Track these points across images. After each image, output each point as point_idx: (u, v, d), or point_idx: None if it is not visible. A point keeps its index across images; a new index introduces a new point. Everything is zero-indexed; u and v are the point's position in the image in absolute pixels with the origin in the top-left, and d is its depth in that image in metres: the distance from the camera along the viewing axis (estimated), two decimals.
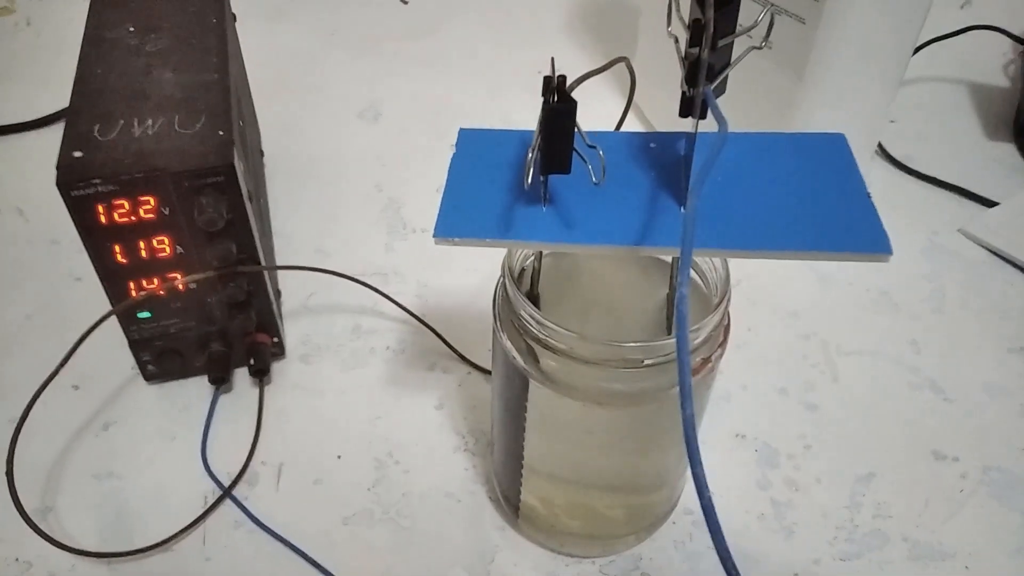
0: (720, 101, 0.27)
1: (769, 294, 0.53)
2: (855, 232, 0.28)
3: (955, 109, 0.70)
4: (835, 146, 0.31)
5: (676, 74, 0.28)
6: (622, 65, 0.30)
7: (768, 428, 0.46)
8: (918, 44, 0.62)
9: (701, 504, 0.15)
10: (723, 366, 0.34)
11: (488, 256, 0.43)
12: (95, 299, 0.42)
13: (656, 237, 0.28)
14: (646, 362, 0.30)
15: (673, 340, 0.30)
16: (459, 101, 0.70)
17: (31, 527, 0.38)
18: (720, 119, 0.25)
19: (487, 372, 0.48)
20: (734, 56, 0.28)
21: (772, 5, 0.27)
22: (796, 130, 0.52)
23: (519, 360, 0.32)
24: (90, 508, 0.42)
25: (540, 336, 0.31)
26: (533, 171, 0.27)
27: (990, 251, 0.56)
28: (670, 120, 0.63)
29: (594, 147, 0.28)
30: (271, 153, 0.63)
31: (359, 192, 0.61)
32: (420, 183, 0.61)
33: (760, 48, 0.28)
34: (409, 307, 0.50)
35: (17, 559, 0.40)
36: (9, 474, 0.38)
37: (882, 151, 0.63)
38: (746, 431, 0.46)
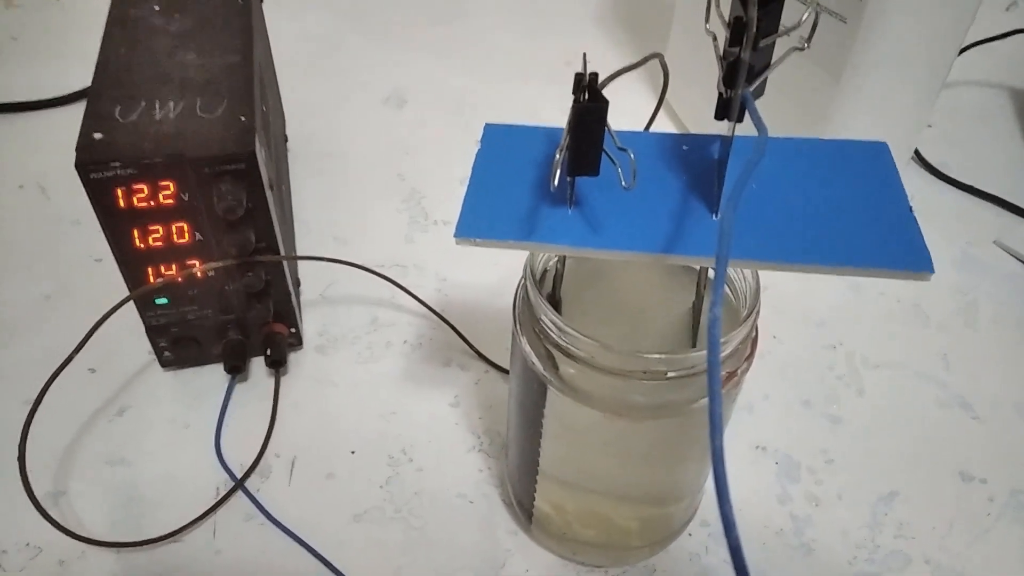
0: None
1: (797, 301, 0.52)
2: (895, 247, 0.27)
3: (995, 115, 0.67)
4: (877, 155, 0.30)
5: (711, 71, 0.26)
6: (654, 59, 0.29)
7: (790, 441, 0.45)
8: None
9: (728, 544, 0.14)
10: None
11: (511, 251, 0.42)
12: (114, 281, 0.42)
13: (686, 245, 0.27)
14: (669, 375, 0.29)
15: (698, 353, 0.29)
16: (486, 91, 0.68)
17: (41, 513, 0.38)
18: (760, 125, 0.24)
19: (505, 371, 0.47)
20: (774, 57, 0.27)
21: (817, 4, 0.26)
22: (830, 133, 0.50)
23: (538, 365, 0.31)
24: (102, 494, 0.42)
25: (560, 343, 0.30)
26: (560, 172, 0.26)
27: None
28: (703, 118, 0.62)
29: (625, 150, 0.27)
30: (295, 138, 0.62)
31: (382, 180, 0.60)
32: (443, 173, 0.60)
33: (802, 49, 0.27)
34: (428, 301, 0.50)
35: (28, 544, 0.39)
36: (21, 459, 0.38)
37: (918, 157, 0.62)
38: (767, 443, 0.45)
